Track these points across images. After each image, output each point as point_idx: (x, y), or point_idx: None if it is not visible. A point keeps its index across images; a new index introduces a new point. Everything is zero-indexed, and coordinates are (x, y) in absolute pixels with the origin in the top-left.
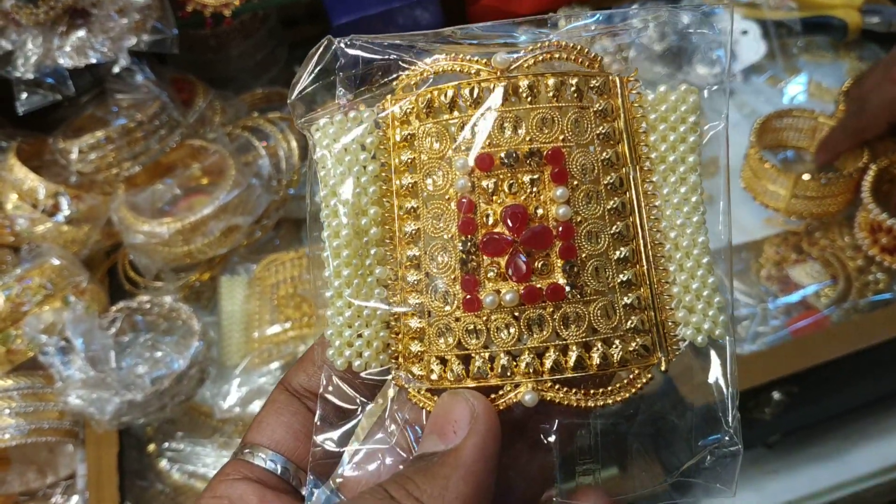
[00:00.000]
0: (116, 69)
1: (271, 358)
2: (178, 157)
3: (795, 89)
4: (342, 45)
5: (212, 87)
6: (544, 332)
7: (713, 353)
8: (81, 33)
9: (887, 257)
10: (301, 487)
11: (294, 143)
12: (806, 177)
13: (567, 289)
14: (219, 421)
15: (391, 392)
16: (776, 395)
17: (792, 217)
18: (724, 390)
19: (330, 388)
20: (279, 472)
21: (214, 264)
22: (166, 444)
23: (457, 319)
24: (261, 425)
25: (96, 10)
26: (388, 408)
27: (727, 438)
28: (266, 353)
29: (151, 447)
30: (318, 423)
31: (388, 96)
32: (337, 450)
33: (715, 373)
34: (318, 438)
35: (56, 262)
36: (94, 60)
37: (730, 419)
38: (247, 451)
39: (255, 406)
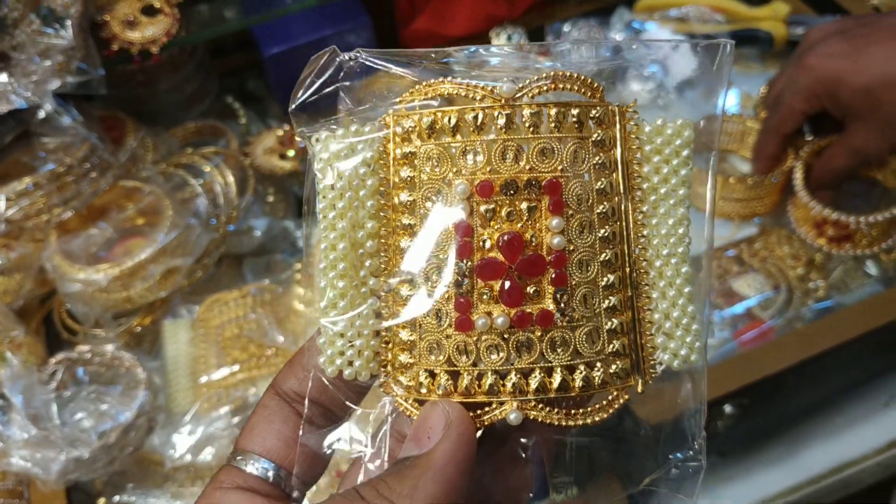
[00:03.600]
0: (42, 114)
1: (221, 402)
2: (110, 198)
3: (729, 101)
4: (346, 57)
5: (141, 122)
6: (532, 355)
7: (686, 376)
8: (2, 78)
9: (835, 247)
10: (293, 492)
11: (231, 178)
12: (731, 180)
13: (556, 315)
14: (171, 469)
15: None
16: (727, 408)
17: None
18: (694, 410)
19: (318, 393)
20: (271, 478)
21: (155, 308)
22: (116, 498)
23: (448, 337)
24: (252, 432)
25: (16, 54)
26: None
27: (691, 453)
28: (215, 398)
29: (101, 501)
30: (305, 425)
31: (391, 111)
32: (324, 451)
33: (686, 394)
34: (305, 439)
35: None
36: (17, 106)
37: (697, 437)
38: (239, 458)
39: (207, 453)
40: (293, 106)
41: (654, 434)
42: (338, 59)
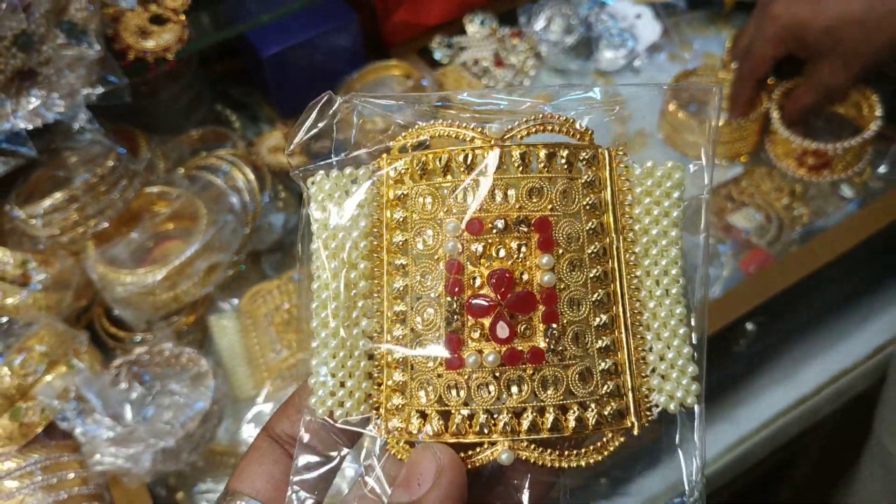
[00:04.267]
0: (77, 125)
1: (288, 381)
2: (139, 206)
3: (694, 60)
4: (341, 101)
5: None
6: (523, 393)
7: (682, 419)
8: (36, 93)
9: (815, 174)
10: None
11: (251, 175)
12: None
13: (547, 353)
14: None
15: (368, 444)
16: (748, 326)
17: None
18: (693, 453)
19: (309, 436)
20: None
21: (198, 306)
22: (197, 488)
23: (439, 376)
24: (243, 473)
25: (44, 69)
26: (366, 457)
27: (692, 499)
28: (280, 380)
29: (180, 495)
30: (297, 467)
31: (385, 155)
32: (311, 497)
33: (684, 438)
34: (295, 479)
35: (56, 327)
36: (50, 120)
37: (696, 482)
38: (229, 498)
39: None
40: (290, 148)
41: (651, 480)
42: (335, 103)
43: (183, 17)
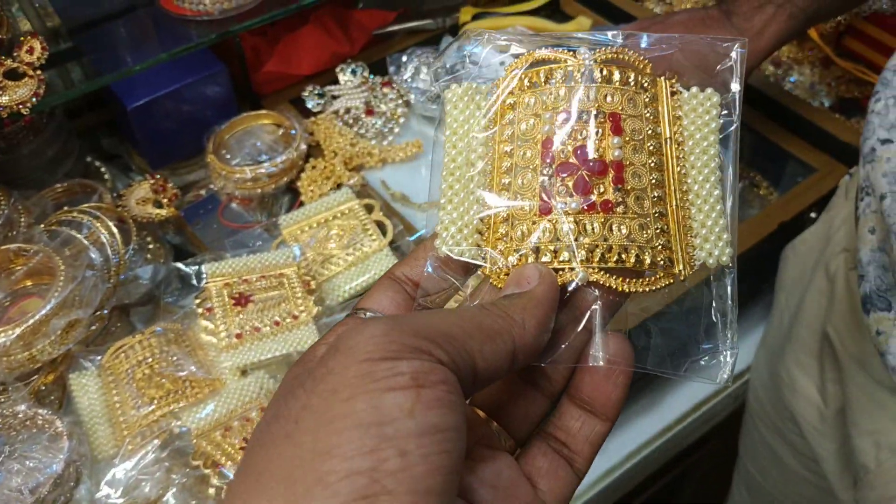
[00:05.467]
0: None
1: (147, 438)
2: None
3: None
4: (475, 38)
5: (7, 188)
6: (596, 234)
7: (721, 273)
8: None
9: None
10: None
11: (114, 229)
12: None
13: (616, 206)
14: None
15: (473, 281)
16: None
17: None
18: (725, 305)
19: (432, 268)
20: None
21: (57, 364)
22: None
23: (533, 222)
24: (370, 297)
25: None
26: (476, 287)
27: (720, 344)
28: (139, 437)
29: None
30: (421, 290)
31: (502, 76)
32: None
33: (720, 290)
34: (419, 298)
35: None
36: None
37: (729, 328)
38: (358, 311)
39: (144, 487)
40: (433, 68)
41: (692, 325)
42: (470, 35)
43: (39, 73)
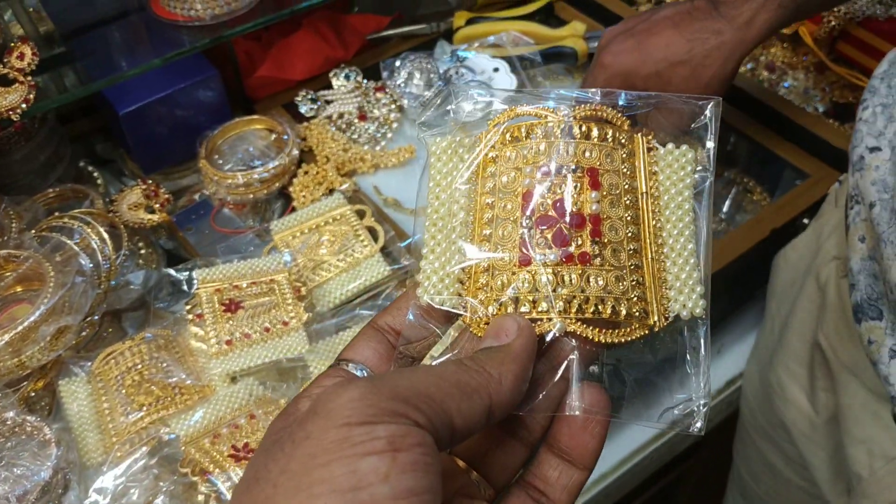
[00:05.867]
0: None
1: (136, 445)
2: None
3: None
4: (461, 92)
5: None
6: (574, 285)
7: (693, 324)
8: None
9: None
10: None
11: (105, 234)
12: None
13: (592, 258)
14: None
15: (454, 330)
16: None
17: None
18: (699, 358)
19: (413, 317)
20: None
21: (47, 370)
22: None
23: (513, 273)
24: (353, 348)
25: None
26: (454, 337)
27: (693, 396)
28: (128, 444)
29: None
30: (403, 338)
31: (485, 129)
32: (413, 359)
33: (693, 342)
34: (400, 347)
35: None
36: None
37: (701, 378)
38: (341, 362)
39: (133, 494)
40: (419, 121)
41: (666, 375)
42: (458, 96)
43: (29, 78)
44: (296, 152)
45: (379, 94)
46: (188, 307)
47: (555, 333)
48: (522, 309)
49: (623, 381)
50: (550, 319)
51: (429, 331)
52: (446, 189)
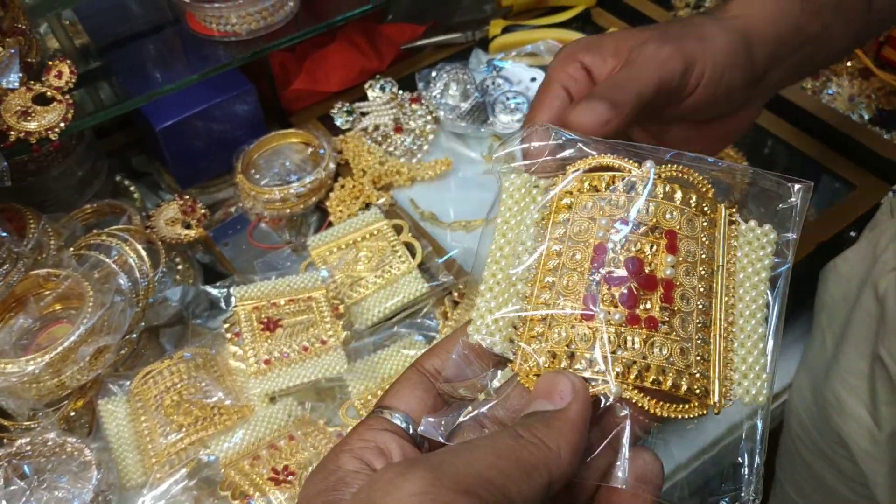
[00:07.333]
0: None
1: (175, 466)
2: (25, 289)
3: None
4: (539, 132)
5: (38, 210)
6: (636, 350)
7: (753, 413)
8: None
9: None
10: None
11: (142, 252)
12: None
13: (660, 324)
14: None
15: (501, 378)
16: None
17: None
18: (755, 449)
19: (460, 357)
20: (410, 432)
21: (86, 390)
22: None
23: (572, 326)
24: (396, 394)
25: None
26: (498, 387)
27: (743, 489)
28: (167, 466)
29: None
30: (446, 375)
31: (563, 173)
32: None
33: (749, 430)
34: (440, 385)
35: None
36: None
37: (752, 473)
38: (385, 410)
39: None
40: (497, 154)
41: (717, 461)
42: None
43: (67, 97)
44: (332, 166)
45: (414, 106)
46: (226, 325)
47: (610, 399)
48: (577, 367)
49: (671, 457)
50: (606, 382)
51: (473, 373)
52: (514, 228)
